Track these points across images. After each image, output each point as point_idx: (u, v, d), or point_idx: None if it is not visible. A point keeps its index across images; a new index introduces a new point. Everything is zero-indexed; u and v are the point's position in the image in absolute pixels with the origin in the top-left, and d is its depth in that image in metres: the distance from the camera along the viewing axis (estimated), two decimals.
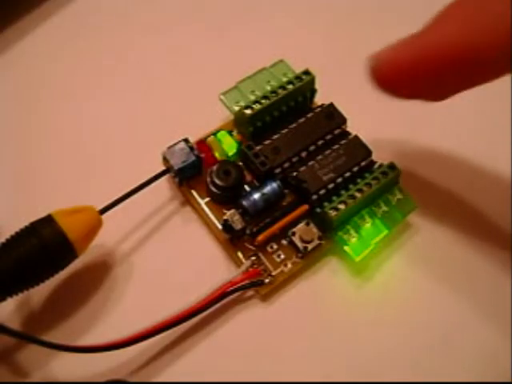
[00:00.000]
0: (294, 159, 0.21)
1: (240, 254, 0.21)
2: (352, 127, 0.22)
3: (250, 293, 0.21)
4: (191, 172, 0.21)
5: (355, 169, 0.21)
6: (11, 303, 0.19)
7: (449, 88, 0.17)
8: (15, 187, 0.22)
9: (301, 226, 0.21)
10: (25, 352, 0.19)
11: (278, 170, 0.21)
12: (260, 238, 0.20)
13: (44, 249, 0.18)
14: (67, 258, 0.19)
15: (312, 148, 0.21)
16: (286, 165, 0.21)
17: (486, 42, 0.15)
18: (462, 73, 0.16)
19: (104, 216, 0.20)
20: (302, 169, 0.21)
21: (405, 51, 0.16)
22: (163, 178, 0.22)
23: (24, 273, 0.18)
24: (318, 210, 0.21)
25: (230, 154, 0.22)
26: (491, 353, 0.20)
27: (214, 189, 0.21)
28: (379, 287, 0.21)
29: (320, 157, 0.21)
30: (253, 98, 0.22)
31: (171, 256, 0.21)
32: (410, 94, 0.17)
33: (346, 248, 0.21)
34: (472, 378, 0.19)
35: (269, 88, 0.22)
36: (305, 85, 0.22)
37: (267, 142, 0.21)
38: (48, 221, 0.18)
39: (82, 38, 0.26)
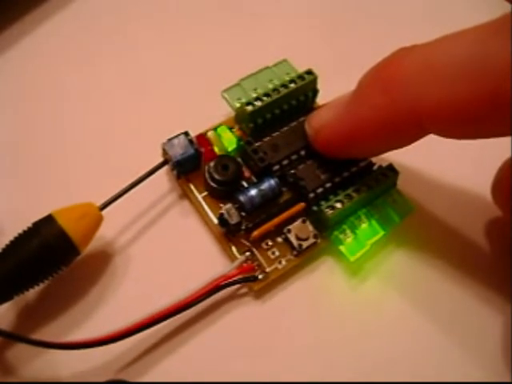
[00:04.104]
0: (293, 157, 0.21)
1: (234, 249, 0.20)
2: None
3: (244, 290, 0.21)
4: (190, 165, 0.21)
5: (353, 169, 0.21)
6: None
7: (376, 152, 0.21)
8: (14, 184, 0.22)
9: (297, 223, 0.21)
10: (17, 351, 0.19)
11: (276, 168, 0.21)
12: (255, 233, 0.20)
13: (47, 250, 0.18)
14: (70, 256, 0.19)
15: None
16: (285, 162, 0.21)
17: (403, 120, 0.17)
18: (385, 141, 0.19)
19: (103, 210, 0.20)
20: (301, 167, 0.21)
21: (338, 127, 0.20)
22: (162, 173, 0.22)
23: (29, 274, 0.18)
24: (315, 208, 0.20)
25: (230, 149, 0.22)
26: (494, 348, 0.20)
27: (211, 183, 0.21)
28: (375, 288, 0.21)
29: (319, 156, 0.21)
30: (254, 95, 0.22)
31: (167, 250, 0.21)
32: (344, 156, 0.21)
33: (341, 247, 0.20)
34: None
35: (271, 86, 0.22)
36: (307, 84, 0.22)
37: (267, 138, 0.21)
38: (49, 221, 0.18)
39: (83, 34, 0.26)
